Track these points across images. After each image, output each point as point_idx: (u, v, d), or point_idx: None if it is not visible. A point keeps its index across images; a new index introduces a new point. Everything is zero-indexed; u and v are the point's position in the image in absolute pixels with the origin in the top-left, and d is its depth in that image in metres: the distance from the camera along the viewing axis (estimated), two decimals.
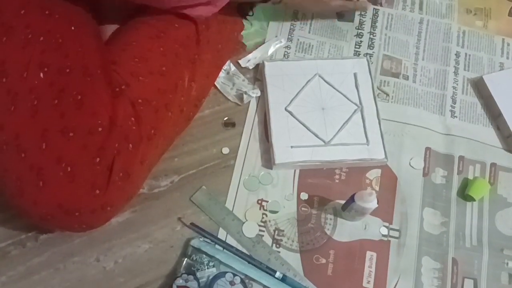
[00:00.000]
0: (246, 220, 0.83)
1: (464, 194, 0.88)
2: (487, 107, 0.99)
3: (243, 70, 0.98)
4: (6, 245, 0.79)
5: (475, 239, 0.85)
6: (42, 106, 0.68)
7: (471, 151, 0.94)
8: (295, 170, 0.89)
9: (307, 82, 0.95)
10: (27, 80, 0.68)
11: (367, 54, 1.03)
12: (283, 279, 0.77)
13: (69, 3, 0.75)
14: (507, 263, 0.84)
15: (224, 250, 0.80)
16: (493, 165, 0.93)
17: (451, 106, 0.99)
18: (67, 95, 0.69)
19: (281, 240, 0.83)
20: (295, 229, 0.84)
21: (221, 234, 0.82)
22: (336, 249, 0.83)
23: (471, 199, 0.88)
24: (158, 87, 0.78)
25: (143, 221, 0.82)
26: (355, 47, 1.04)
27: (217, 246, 0.80)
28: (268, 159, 0.89)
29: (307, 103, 0.93)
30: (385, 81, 1.00)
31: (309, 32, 1.05)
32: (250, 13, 1.00)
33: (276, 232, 0.83)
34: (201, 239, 0.79)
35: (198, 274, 0.76)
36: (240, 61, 0.98)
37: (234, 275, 0.76)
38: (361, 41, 1.05)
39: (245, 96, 0.93)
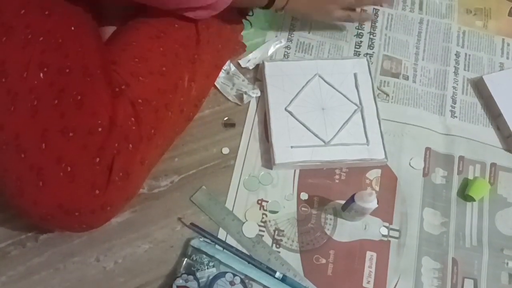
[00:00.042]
0: (246, 220, 0.83)
1: (464, 194, 0.88)
2: (487, 107, 0.99)
3: (243, 70, 0.98)
4: (6, 245, 0.79)
5: (475, 239, 0.85)
6: (42, 106, 0.68)
7: (471, 151, 0.94)
8: (295, 170, 0.89)
9: (307, 82, 0.95)
10: (27, 80, 0.68)
11: (367, 54, 1.03)
12: (283, 279, 0.77)
13: (69, 3, 0.75)
14: (507, 263, 0.84)
15: (224, 250, 0.80)
16: (493, 165, 0.93)
17: (451, 106, 0.99)
18: (67, 95, 0.69)
19: (281, 240, 0.83)
20: (295, 229, 0.84)
21: (221, 234, 0.82)
22: (336, 249, 0.83)
23: (471, 199, 0.88)
24: (158, 87, 0.78)
25: (143, 221, 0.82)
26: (355, 47, 1.04)
27: (217, 246, 0.80)
28: (268, 159, 0.89)
29: (307, 103, 0.93)
30: (385, 81, 1.00)
31: (309, 32, 1.05)
32: (250, 13, 1.00)
33: (276, 232, 0.83)
34: (201, 239, 0.79)
35: (198, 274, 0.76)
36: (240, 61, 0.98)
37: (234, 275, 0.75)
38: (361, 41, 1.05)
39: (245, 96, 0.93)
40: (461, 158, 0.93)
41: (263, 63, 0.96)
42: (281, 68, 0.96)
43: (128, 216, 0.82)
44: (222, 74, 0.96)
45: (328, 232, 0.84)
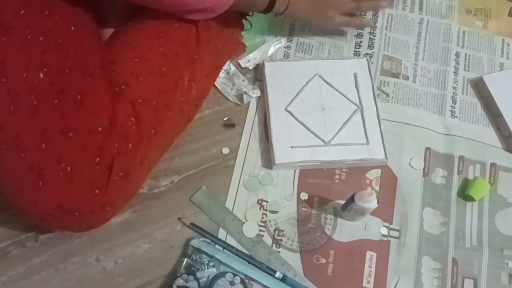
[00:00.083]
0: (246, 220, 0.83)
1: (464, 194, 0.88)
2: (487, 107, 0.99)
3: (243, 70, 0.98)
4: (6, 245, 0.79)
5: (475, 239, 0.85)
6: (42, 106, 0.68)
7: (471, 151, 0.94)
8: (295, 170, 0.89)
9: (307, 82, 0.95)
10: (27, 80, 0.68)
11: (367, 54, 1.03)
12: (283, 279, 0.77)
13: (69, 4, 0.75)
14: (507, 263, 0.84)
15: (224, 250, 0.80)
16: (493, 165, 0.93)
17: (451, 106, 0.99)
18: (67, 95, 0.69)
19: (281, 240, 0.82)
20: (295, 229, 0.84)
21: (221, 234, 0.82)
22: (336, 249, 0.83)
23: (471, 199, 0.88)
24: (158, 87, 0.78)
25: (143, 221, 0.82)
26: (355, 47, 1.04)
27: (217, 246, 0.80)
28: (268, 159, 0.89)
29: (307, 103, 0.93)
30: (385, 81, 1.00)
31: (309, 32, 1.05)
32: (250, 13, 1.00)
33: (276, 232, 0.83)
34: (201, 239, 0.79)
35: (198, 274, 0.76)
36: (240, 61, 0.98)
37: (234, 275, 0.75)
38: (361, 41, 1.05)
39: (245, 96, 0.93)
40: (461, 158, 0.93)
41: (263, 63, 0.96)
42: (281, 68, 0.96)
43: (128, 216, 0.82)
44: (222, 74, 0.96)
45: (328, 232, 0.84)
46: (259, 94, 0.94)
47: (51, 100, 0.68)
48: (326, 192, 0.87)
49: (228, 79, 0.96)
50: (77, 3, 0.77)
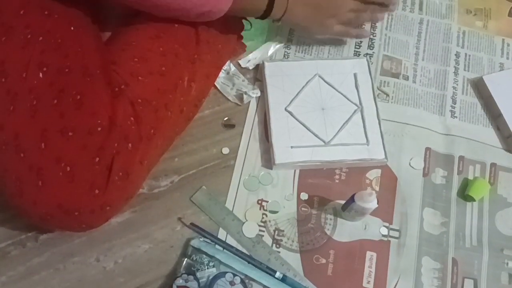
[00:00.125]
0: (246, 220, 0.83)
1: (464, 194, 0.88)
2: (487, 107, 0.99)
3: (243, 70, 0.98)
4: (6, 245, 0.79)
5: (475, 239, 0.85)
6: (41, 106, 0.68)
7: (471, 151, 0.94)
8: (295, 170, 0.89)
9: (307, 83, 0.95)
10: (27, 80, 0.68)
11: (367, 54, 1.03)
12: (283, 279, 0.77)
13: (69, 4, 0.75)
14: (507, 263, 0.84)
15: (224, 250, 0.80)
16: (493, 165, 0.93)
17: (451, 106, 0.99)
18: (66, 95, 0.69)
19: (281, 240, 0.82)
20: (295, 229, 0.84)
21: (221, 234, 0.82)
22: (336, 249, 0.82)
23: (471, 199, 0.88)
24: (158, 87, 0.78)
25: (143, 221, 0.82)
26: (355, 47, 1.04)
27: (217, 246, 0.80)
28: (268, 159, 0.89)
29: (307, 103, 0.93)
30: (385, 82, 1.00)
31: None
32: None
33: (276, 232, 0.83)
34: (201, 239, 0.79)
35: (198, 274, 0.76)
36: (240, 61, 0.98)
37: (234, 275, 0.75)
38: (361, 42, 1.05)
39: (245, 96, 0.93)
40: (461, 158, 0.93)
41: (263, 63, 0.96)
42: (281, 68, 0.96)
43: (128, 216, 0.82)
44: (222, 74, 0.96)
45: (328, 232, 0.84)
46: (259, 94, 0.94)
47: (51, 100, 0.68)
48: (326, 192, 0.87)
49: (228, 79, 0.96)
50: (77, 3, 0.77)
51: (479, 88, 1.01)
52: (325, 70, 0.96)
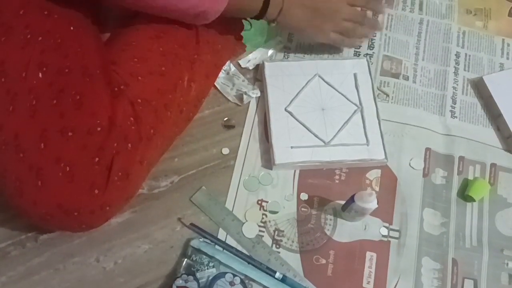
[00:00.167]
0: (246, 221, 0.83)
1: (464, 194, 0.88)
2: (487, 107, 0.99)
3: (243, 70, 0.98)
4: (6, 245, 0.79)
5: (475, 240, 0.85)
6: (41, 106, 0.68)
7: (471, 151, 0.94)
8: (295, 171, 0.89)
9: (307, 83, 0.95)
10: (26, 80, 0.68)
11: (367, 54, 1.03)
12: (283, 280, 0.77)
13: (69, 4, 0.75)
14: (507, 264, 0.84)
15: (224, 250, 0.80)
16: (493, 165, 0.93)
17: (451, 106, 0.99)
18: (66, 95, 0.69)
19: (281, 241, 0.82)
20: (295, 229, 0.84)
21: (221, 235, 0.82)
22: (336, 249, 0.82)
23: (471, 199, 0.88)
24: (158, 87, 0.78)
25: (143, 222, 0.82)
26: (355, 48, 1.04)
27: (217, 246, 0.80)
28: (268, 160, 0.89)
29: (307, 103, 0.93)
30: (385, 82, 1.00)
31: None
32: None
33: (276, 232, 0.83)
34: (201, 239, 0.79)
35: (198, 275, 0.76)
36: (240, 61, 0.98)
37: (234, 275, 0.75)
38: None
39: (245, 96, 0.93)
40: (461, 158, 0.93)
41: (263, 63, 0.96)
42: (281, 68, 0.96)
43: (128, 216, 0.82)
44: (222, 74, 0.96)
45: (328, 233, 0.84)
46: (259, 94, 0.94)
47: (50, 100, 0.68)
48: (326, 192, 0.87)
49: (228, 79, 0.96)
50: (77, 3, 0.77)
51: (479, 88, 1.01)
52: (325, 70, 0.96)
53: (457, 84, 1.02)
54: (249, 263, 0.79)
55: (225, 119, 0.92)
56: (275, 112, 0.91)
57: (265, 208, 0.85)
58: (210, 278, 0.75)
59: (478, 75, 1.03)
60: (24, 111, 0.67)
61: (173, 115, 0.80)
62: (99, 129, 0.69)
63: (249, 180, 0.87)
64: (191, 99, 0.85)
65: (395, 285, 0.81)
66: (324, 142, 0.89)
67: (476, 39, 1.09)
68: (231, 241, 0.81)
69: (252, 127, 0.92)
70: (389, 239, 0.84)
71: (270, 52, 1.01)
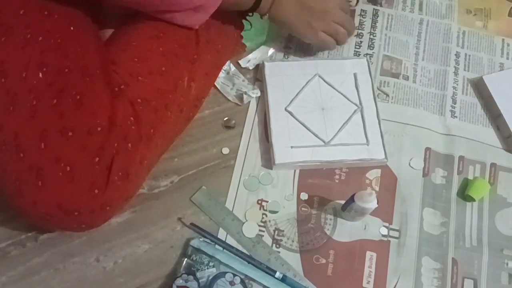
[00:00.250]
0: (246, 220, 0.83)
1: (464, 194, 0.88)
2: (487, 107, 0.99)
3: (243, 70, 0.98)
4: (6, 245, 0.79)
5: (475, 239, 0.85)
6: (41, 106, 0.68)
7: (471, 151, 0.94)
8: (295, 170, 0.89)
9: (307, 83, 0.95)
10: (26, 80, 0.68)
11: (367, 54, 1.03)
12: (283, 279, 0.77)
13: (69, 4, 0.75)
14: (507, 263, 0.84)
15: (224, 250, 0.80)
16: (493, 165, 0.93)
17: (451, 106, 0.99)
18: (66, 95, 0.69)
19: (281, 240, 0.82)
20: (295, 229, 0.84)
21: (221, 234, 0.82)
22: (336, 249, 0.82)
23: (471, 199, 0.88)
24: (158, 87, 0.78)
25: (143, 221, 0.82)
26: (355, 48, 1.04)
27: (217, 246, 0.80)
28: (268, 159, 0.89)
29: (307, 103, 0.93)
30: (385, 82, 1.00)
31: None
32: (250, 14, 1.00)
33: (276, 232, 0.83)
34: (201, 239, 0.79)
35: (198, 274, 0.76)
36: (240, 62, 0.98)
37: (234, 275, 0.75)
38: (361, 42, 1.05)
39: (245, 96, 0.93)
40: (461, 158, 0.93)
41: (263, 63, 0.96)
42: (281, 68, 0.96)
43: (128, 216, 0.82)
44: (222, 74, 0.96)
45: (328, 232, 0.84)
46: (259, 94, 0.94)
47: (51, 100, 0.68)
48: (326, 192, 0.87)
49: (228, 79, 0.96)
50: (76, 3, 0.77)
51: (479, 88, 1.01)
52: (325, 70, 0.96)
53: (457, 84, 1.02)
54: (249, 262, 0.79)
55: (225, 119, 0.93)
56: (275, 112, 0.91)
57: (265, 208, 0.85)
58: (210, 277, 0.75)
59: (478, 75, 1.03)
60: (24, 111, 0.67)
61: (173, 115, 0.80)
62: (99, 129, 0.69)
63: (249, 180, 0.87)
64: (191, 99, 0.85)
65: (395, 285, 0.81)
66: (324, 142, 0.89)
67: (476, 39, 1.09)
68: (231, 241, 0.81)
69: (252, 127, 0.92)
70: (389, 238, 0.84)
71: (270, 52, 1.01)
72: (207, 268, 0.77)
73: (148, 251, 0.80)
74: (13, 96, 0.67)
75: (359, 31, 1.06)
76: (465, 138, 0.95)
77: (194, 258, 0.77)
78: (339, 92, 0.94)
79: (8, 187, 0.68)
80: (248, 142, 0.91)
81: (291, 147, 0.88)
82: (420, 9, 1.12)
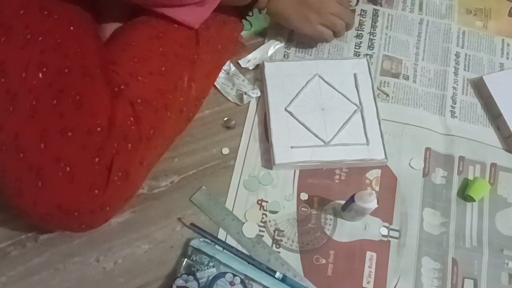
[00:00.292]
0: (246, 221, 0.83)
1: (464, 194, 0.88)
2: (487, 107, 0.99)
3: (243, 70, 0.98)
4: (6, 245, 0.79)
5: (475, 239, 0.85)
6: (41, 106, 0.68)
7: (471, 151, 0.94)
8: (295, 170, 0.89)
9: (307, 83, 0.95)
10: (26, 80, 0.68)
11: (367, 54, 1.03)
12: (283, 280, 0.77)
13: (69, 4, 0.75)
14: (507, 263, 0.84)
15: (224, 250, 0.80)
16: (493, 165, 0.93)
17: (451, 106, 0.99)
18: (66, 95, 0.69)
19: (281, 241, 0.82)
20: (295, 229, 0.84)
21: (221, 235, 0.82)
22: (336, 249, 0.82)
23: (471, 199, 0.88)
24: (158, 87, 0.78)
25: (143, 222, 0.82)
26: (355, 48, 1.04)
27: (217, 246, 0.80)
28: (268, 159, 0.89)
29: (307, 103, 0.93)
30: (385, 82, 1.00)
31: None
32: (250, 13, 1.00)
33: (276, 232, 0.83)
34: (201, 239, 0.79)
35: (198, 275, 0.76)
36: (240, 62, 0.98)
37: (234, 275, 0.75)
38: (361, 42, 1.05)
39: (245, 96, 0.93)
40: (461, 158, 0.93)
41: (263, 63, 0.96)
42: (281, 68, 0.96)
43: (128, 216, 0.82)
44: (222, 74, 0.96)
45: (328, 232, 0.84)
46: (259, 94, 0.94)
47: (50, 100, 0.68)
48: (326, 192, 0.87)
49: (228, 79, 0.96)
50: (76, 3, 0.77)
51: (479, 88, 1.01)
52: (325, 70, 0.96)
53: (457, 84, 1.02)
54: (249, 263, 0.79)
55: (225, 119, 0.92)
56: (275, 112, 0.91)
57: (265, 208, 0.85)
58: (210, 278, 0.75)
59: (478, 75, 1.03)
60: (24, 111, 0.67)
61: (173, 115, 0.80)
62: (99, 129, 0.69)
63: (249, 180, 0.87)
64: (191, 99, 0.85)
65: (395, 285, 0.81)
66: (324, 142, 0.89)
67: (476, 39, 1.09)
68: (231, 241, 0.81)
69: (252, 127, 0.92)
70: (389, 239, 0.84)
71: (270, 52, 1.01)
72: (207, 268, 0.77)
73: (148, 251, 0.80)
74: (13, 96, 0.67)
75: (359, 31, 1.06)
76: (465, 138, 0.95)
77: (194, 258, 0.77)
78: (339, 92, 0.94)
79: (8, 187, 0.68)
80: (248, 142, 0.91)
81: (291, 147, 0.88)
82: (420, 9, 1.12)
